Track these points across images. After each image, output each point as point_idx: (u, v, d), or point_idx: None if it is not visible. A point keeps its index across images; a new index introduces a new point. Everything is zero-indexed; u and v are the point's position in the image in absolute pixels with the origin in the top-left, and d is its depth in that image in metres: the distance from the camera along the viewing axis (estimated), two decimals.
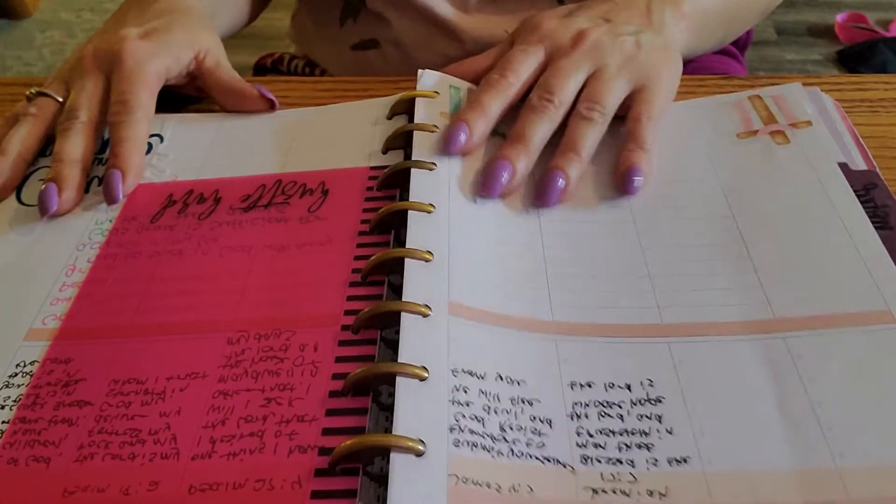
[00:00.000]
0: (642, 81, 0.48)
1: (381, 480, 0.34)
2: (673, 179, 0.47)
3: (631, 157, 0.46)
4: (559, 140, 0.47)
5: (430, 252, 0.41)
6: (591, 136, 0.46)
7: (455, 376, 0.36)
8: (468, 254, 0.42)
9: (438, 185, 0.45)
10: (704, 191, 0.46)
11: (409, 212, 0.43)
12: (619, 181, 0.46)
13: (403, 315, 0.38)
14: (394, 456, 0.33)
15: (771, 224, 0.43)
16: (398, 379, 0.35)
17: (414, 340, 0.36)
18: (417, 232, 0.41)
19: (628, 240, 0.43)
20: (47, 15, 2.32)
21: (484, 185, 0.45)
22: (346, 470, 0.33)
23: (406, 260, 0.40)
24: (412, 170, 0.45)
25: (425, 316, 0.38)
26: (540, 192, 0.45)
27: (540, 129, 0.46)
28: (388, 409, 0.36)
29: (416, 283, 0.39)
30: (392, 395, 0.36)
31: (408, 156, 0.48)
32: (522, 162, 0.45)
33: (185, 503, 0.33)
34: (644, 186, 0.46)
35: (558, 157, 0.46)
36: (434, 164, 0.46)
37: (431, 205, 0.43)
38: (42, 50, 2.17)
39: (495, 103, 0.47)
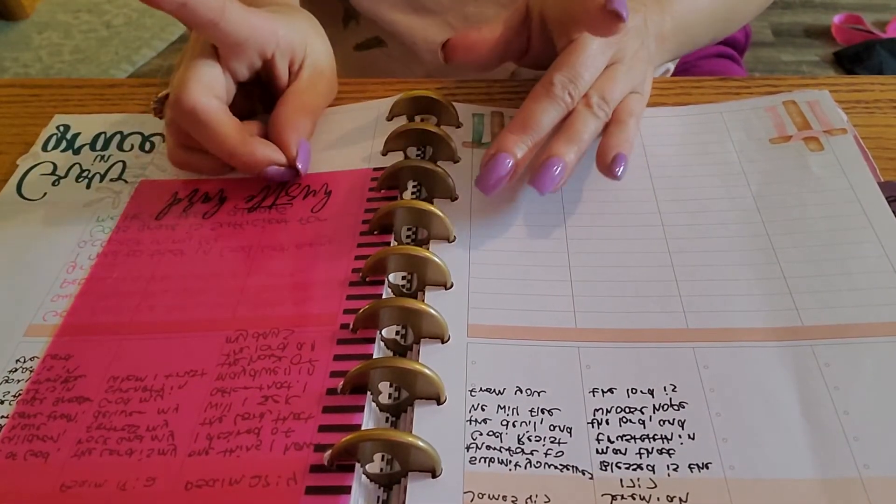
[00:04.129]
0: (637, 87, 0.48)
1: (381, 480, 0.34)
2: (704, 184, 0.46)
3: (619, 145, 0.44)
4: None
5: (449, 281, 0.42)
6: (592, 129, 0.45)
7: (473, 396, 0.37)
8: (489, 277, 0.42)
9: (460, 215, 0.45)
10: (735, 196, 0.45)
11: (431, 241, 0.44)
12: (607, 165, 0.44)
13: (423, 343, 0.39)
14: (410, 478, 0.34)
15: (801, 231, 0.43)
16: (416, 404, 0.36)
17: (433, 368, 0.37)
18: (438, 263, 0.41)
19: (656, 244, 0.43)
20: (44, 16, 2.32)
21: (483, 181, 0.44)
22: (342, 467, 0.34)
23: (427, 289, 0.41)
24: (434, 201, 0.46)
25: (444, 342, 0.39)
26: (537, 177, 0.43)
27: (552, 118, 0.44)
28: (386, 409, 0.37)
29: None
30: (390, 394, 0.37)
31: (407, 157, 0.49)
32: (527, 151, 0.44)
33: (181, 499, 0.33)
34: (625, 176, 0.44)
35: (560, 144, 0.44)
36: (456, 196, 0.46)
37: (453, 235, 0.44)
38: (39, 51, 2.16)
39: (548, 120, 0.45)
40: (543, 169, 0.43)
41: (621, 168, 0.44)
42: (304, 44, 0.50)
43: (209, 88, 0.45)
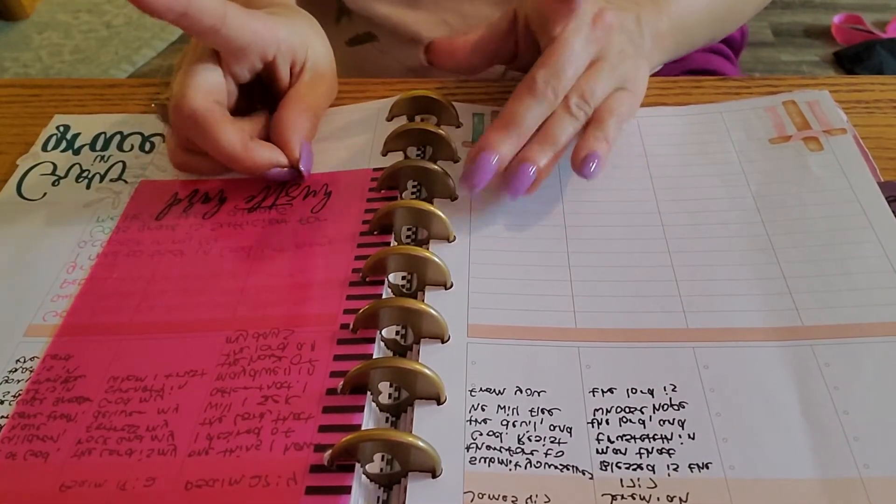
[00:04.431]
0: (626, 85, 0.48)
1: (381, 480, 0.34)
2: (703, 184, 0.46)
3: (594, 144, 0.44)
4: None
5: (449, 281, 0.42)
6: (570, 132, 0.45)
7: (473, 396, 0.37)
8: (489, 276, 0.42)
9: (460, 215, 0.45)
10: (735, 196, 0.45)
11: (431, 241, 0.44)
12: (578, 164, 0.44)
13: (422, 343, 0.39)
14: (410, 478, 0.33)
15: (801, 231, 0.43)
16: (416, 404, 0.36)
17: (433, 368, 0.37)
18: (438, 263, 0.41)
19: (656, 244, 0.43)
20: (44, 16, 2.31)
21: (467, 178, 0.44)
22: (342, 467, 0.34)
23: (427, 289, 0.41)
24: (434, 201, 0.46)
25: (444, 342, 0.39)
26: (509, 181, 0.44)
27: (536, 115, 0.45)
28: (386, 409, 0.37)
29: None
30: (390, 394, 0.37)
31: (407, 157, 0.49)
32: (512, 148, 0.44)
33: (181, 499, 0.33)
34: (598, 175, 0.44)
35: (534, 149, 0.44)
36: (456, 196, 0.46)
37: (453, 235, 0.44)
38: (39, 51, 2.16)
39: (532, 118, 0.45)
40: (515, 173, 0.44)
41: (593, 166, 0.44)
42: (305, 46, 0.49)
43: (209, 94, 0.45)
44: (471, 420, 0.36)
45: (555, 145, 0.45)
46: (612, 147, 0.45)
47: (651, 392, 0.36)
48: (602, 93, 0.46)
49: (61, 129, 0.55)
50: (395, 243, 0.44)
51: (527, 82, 0.45)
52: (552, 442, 0.35)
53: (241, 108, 0.48)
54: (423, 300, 0.40)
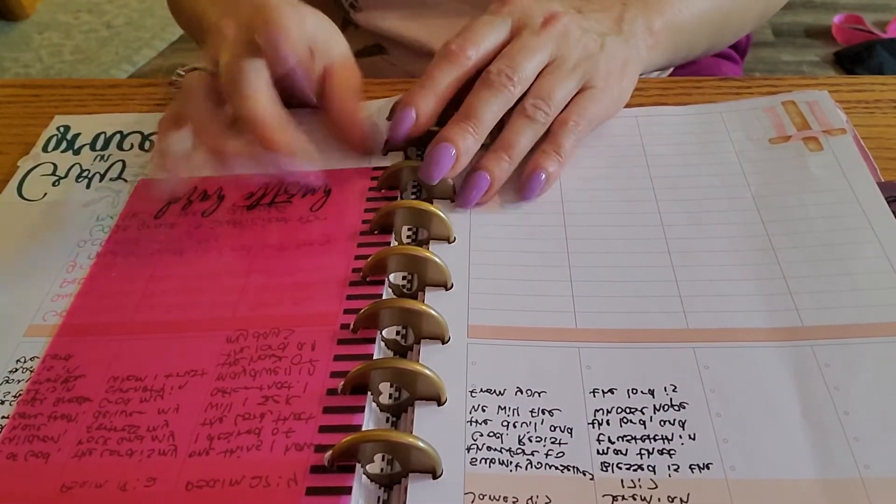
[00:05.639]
0: (592, 83, 0.47)
1: (382, 481, 0.34)
2: (703, 184, 0.46)
3: (541, 161, 0.45)
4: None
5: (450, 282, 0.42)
6: (528, 136, 0.45)
7: (473, 397, 0.36)
8: (489, 277, 0.42)
9: (460, 215, 0.45)
10: (735, 196, 0.45)
11: (431, 241, 0.44)
12: (522, 181, 0.45)
13: (423, 343, 0.39)
14: (410, 479, 0.33)
15: (801, 231, 0.43)
16: (417, 404, 0.36)
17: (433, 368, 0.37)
18: (438, 264, 0.41)
19: (656, 244, 0.43)
20: (45, 16, 2.32)
21: (425, 169, 0.44)
22: (342, 467, 0.34)
23: (427, 290, 0.41)
24: (434, 201, 0.46)
25: (444, 342, 0.39)
26: (463, 191, 0.45)
27: (493, 108, 0.45)
28: (387, 409, 0.37)
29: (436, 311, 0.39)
30: (391, 394, 0.37)
31: (407, 157, 0.49)
32: (469, 140, 0.44)
33: (181, 499, 0.33)
34: (545, 192, 0.46)
35: (489, 157, 0.45)
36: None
37: (453, 236, 0.44)
38: (39, 52, 2.17)
39: (448, 78, 0.46)
40: (469, 183, 0.45)
41: (536, 185, 0.45)
42: (331, 40, 0.50)
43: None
44: (471, 421, 0.36)
45: (511, 150, 0.45)
46: (566, 161, 0.46)
47: (651, 392, 0.36)
48: (563, 94, 0.46)
49: (62, 129, 0.55)
50: (396, 243, 0.44)
51: (482, 76, 0.46)
52: (553, 443, 0.35)
53: None
54: (423, 300, 0.40)
